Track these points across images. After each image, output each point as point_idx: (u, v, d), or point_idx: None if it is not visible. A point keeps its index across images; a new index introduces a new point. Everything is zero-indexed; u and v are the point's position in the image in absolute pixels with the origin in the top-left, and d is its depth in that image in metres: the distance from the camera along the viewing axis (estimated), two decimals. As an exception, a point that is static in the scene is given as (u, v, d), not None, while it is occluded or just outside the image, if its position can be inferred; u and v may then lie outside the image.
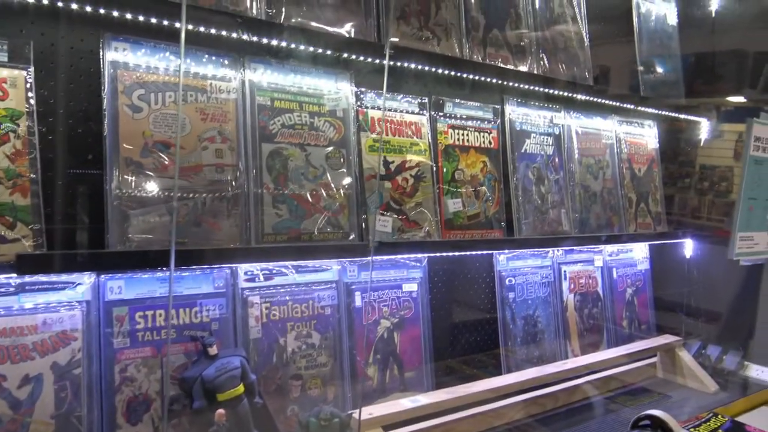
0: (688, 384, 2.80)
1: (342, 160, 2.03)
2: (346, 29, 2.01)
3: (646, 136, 3.24)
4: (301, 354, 1.98)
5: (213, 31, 1.72)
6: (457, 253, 2.44)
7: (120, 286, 1.69)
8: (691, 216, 3.46)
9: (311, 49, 1.93)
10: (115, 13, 1.56)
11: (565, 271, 2.80)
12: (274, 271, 1.96)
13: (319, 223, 1.95)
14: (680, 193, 3.50)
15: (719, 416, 2.27)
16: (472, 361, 2.60)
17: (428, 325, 2.30)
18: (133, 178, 1.64)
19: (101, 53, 1.64)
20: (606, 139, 3.00)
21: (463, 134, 2.41)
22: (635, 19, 3.12)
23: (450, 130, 2.38)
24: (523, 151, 2.61)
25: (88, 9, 1.54)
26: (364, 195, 2.07)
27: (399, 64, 2.14)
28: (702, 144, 3.48)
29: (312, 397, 1.97)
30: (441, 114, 2.36)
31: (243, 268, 1.89)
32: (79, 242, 1.66)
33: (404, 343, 2.23)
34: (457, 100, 2.42)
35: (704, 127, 3.45)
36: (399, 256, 2.23)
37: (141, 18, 1.60)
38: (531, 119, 2.67)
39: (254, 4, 1.83)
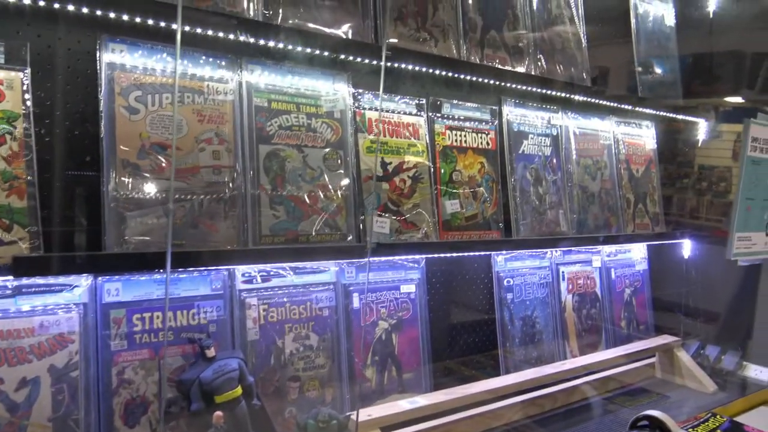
0: (686, 384, 2.80)
1: (339, 161, 2.03)
2: (344, 30, 2.01)
3: (644, 136, 3.24)
4: (299, 356, 1.97)
5: (210, 32, 1.72)
6: (454, 254, 2.44)
7: (117, 289, 1.69)
8: (690, 216, 3.46)
9: (308, 50, 1.93)
10: (112, 15, 1.56)
11: (563, 272, 2.80)
12: (272, 273, 1.96)
13: (317, 225, 1.95)
14: (679, 194, 3.51)
15: (718, 416, 2.27)
16: (470, 362, 2.59)
17: (426, 326, 2.30)
18: (130, 180, 1.64)
19: (98, 55, 1.64)
20: (604, 140, 3.00)
21: (460, 135, 2.41)
22: (633, 20, 3.12)
23: (448, 131, 2.37)
24: (520, 151, 2.61)
25: (85, 10, 1.53)
26: (361, 196, 2.07)
27: (396, 65, 2.14)
28: (700, 144, 3.48)
29: (310, 399, 1.97)
30: (438, 115, 2.36)
31: (240, 269, 1.89)
32: (76, 244, 1.66)
33: (402, 344, 2.23)
34: (455, 101, 2.42)
35: (702, 128, 3.45)
36: (397, 258, 2.23)
37: (138, 19, 1.59)
38: (529, 120, 2.67)
39: (251, 5, 1.83)
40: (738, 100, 3.48)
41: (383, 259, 2.19)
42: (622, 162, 3.07)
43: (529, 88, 2.61)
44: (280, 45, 1.87)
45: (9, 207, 1.48)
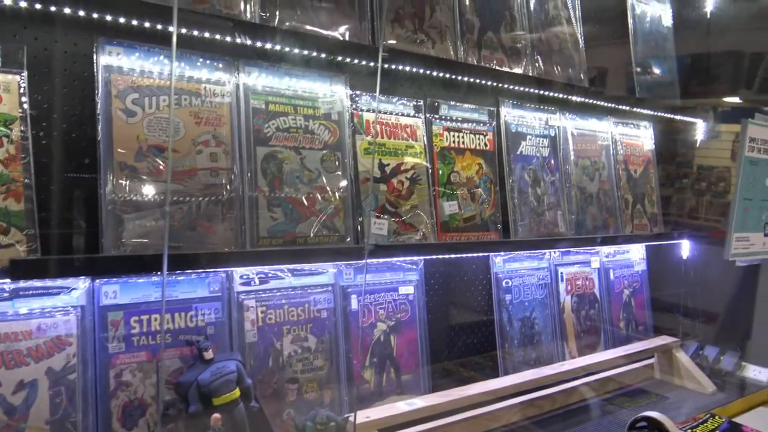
0: (685, 385, 2.80)
1: (337, 163, 2.03)
2: (341, 32, 2.01)
3: (642, 137, 3.24)
4: (298, 357, 1.97)
5: (207, 35, 1.72)
6: (453, 256, 2.44)
7: (115, 291, 1.69)
8: (689, 216, 3.46)
9: (305, 52, 1.93)
10: (109, 18, 1.56)
11: (561, 273, 2.80)
12: (270, 275, 1.96)
13: (315, 227, 1.95)
14: (678, 194, 3.51)
15: (716, 417, 2.27)
16: (469, 363, 2.59)
17: (425, 327, 2.30)
18: (128, 183, 1.64)
19: (95, 57, 1.64)
20: (602, 141, 3.00)
21: (458, 136, 2.41)
22: (630, 21, 3.12)
23: (445, 133, 2.38)
24: (518, 152, 2.61)
25: (82, 13, 1.54)
26: (359, 198, 2.07)
27: (394, 66, 2.14)
28: (699, 145, 3.49)
29: (308, 401, 1.97)
30: (436, 116, 2.36)
31: (238, 271, 1.89)
32: (74, 247, 1.66)
33: (401, 346, 2.22)
34: (453, 103, 2.42)
35: (701, 128, 3.46)
36: (395, 259, 2.23)
37: (134, 22, 1.60)
38: (526, 121, 2.67)
39: (248, 7, 1.83)
40: (736, 100, 3.48)
41: (381, 260, 2.19)
42: (620, 163, 3.07)
43: (527, 89, 2.61)
44: (277, 47, 1.87)
45: (6, 210, 1.48)
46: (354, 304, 2.12)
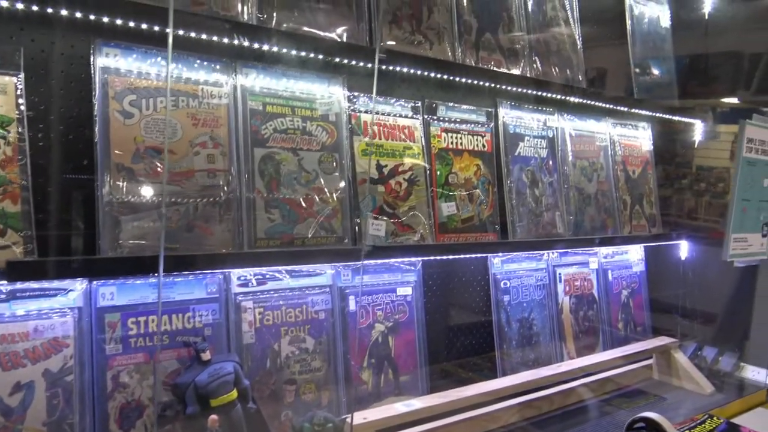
0: (683, 386, 2.80)
1: (335, 164, 2.03)
2: (338, 33, 2.01)
3: (641, 138, 3.25)
4: (295, 359, 1.97)
5: (204, 36, 1.72)
6: (451, 257, 2.44)
7: (112, 293, 1.69)
8: (688, 217, 3.46)
9: (303, 53, 1.93)
10: (106, 19, 1.56)
11: (560, 274, 2.81)
12: (268, 276, 1.96)
13: (312, 228, 1.95)
14: (677, 195, 3.51)
15: (714, 418, 2.27)
16: (467, 364, 2.59)
17: (423, 328, 2.30)
18: (125, 184, 1.64)
19: (92, 59, 1.64)
20: (600, 142, 3.00)
21: (456, 138, 2.41)
22: (628, 22, 3.12)
23: (443, 134, 2.38)
24: (516, 153, 2.61)
25: (78, 15, 1.53)
26: (357, 199, 2.07)
27: (391, 68, 2.14)
28: (697, 145, 3.49)
29: (306, 402, 1.97)
30: (434, 117, 2.36)
31: (236, 273, 1.89)
32: (71, 248, 1.65)
33: (399, 347, 2.22)
34: (451, 104, 2.42)
35: (700, 129, 3.46)
36: (393, 260, 2.23)
37: (131, 24, 1.60)
38: (524, 122, 2.67)
39: (245, 9, 1.83)
40: (734, 101, 3.49)
41: (379, 261, 2.18)
42: (619, 163, 3.07)
43: (525, 90, 2.61)
44: (275, 49, 1.87)
45: (3, 211, 1.48)
46: (352, 305, 2.12)
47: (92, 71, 1.63)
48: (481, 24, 2.46)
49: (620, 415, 2.42)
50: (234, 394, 1.68)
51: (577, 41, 2.85)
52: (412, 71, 2.22)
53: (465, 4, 2.41)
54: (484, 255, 2.53)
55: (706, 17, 3.47)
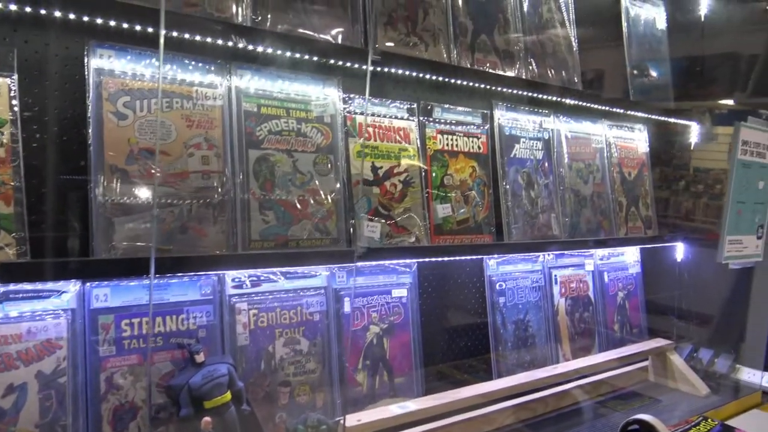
0: (679, 387, 2.80)
1: (329, 165, 2.03)
2: (333, 35, 2.01)
3: (637, 140, 3.25)
4: (290, 361, 1.97)
5: (198, 38, 1.72)
6: (446, 259, 2.44)
7: (106, 294, 1.68)
8: (685, 219, 3.46)
9: (297, 55, 1.93)
10: (99, 21, 1.56)
11: (555, 276, 2.81)
12: (262, 278, 1.96)
13: (307, 229, 1.95)
14: (674, 196, 3.51)
15: (709, 420, 2.27)
16: (462, 366, 2.59)
17: (418, 330, 2.30)
18: (119, 186, 1.64)
19: (86, 60, 1.64)
20: (596, 144, 3.00)
21: (451, 139, 2.41)
22: (624, 24, 3.13)
23: (439, 136, 2.38)
24: (512, 155, 2.61)
25: (72, 16, 1.53)
26: (352, 201, 2.07)
27: (386, 69, 2.14)
28: (693, 147, 3.49)
29: (300, 404, 1.97)
30: (430, 119, 2.36)
31: (230, 274, 1.89)
32: (64, 250, 1.65)
33: (394, 348, 2.22)
34: (446, 106, 2.42)
35: (697, 131, 3.46)
36: (388, 262, 2.23)
37: (125, 25, 1.59)
38: (520, 124, 2.67)
39: (240, 10, 1.83)
40: (730, 103, 3.49)
41: (374, 263, 2.18)
42: (615, 165, 3.08)
43: (521, 92, 2.61)
44: (269, 50, 1.87)
45: (-5, 213, 1.48)
46: (347, 307, 2.12)
47: (86, 72, 1.63)
48: (477, 26, 2.46)
49: (615, 417, 2.42)
50: (228, 396, 1.68)
51: (572, 43, 2.85)
52: (407, 73, 2.22)
53: (460, 6, 2.41)
54: (479, 257, 2.53)
55: (702, 19, 3.48)
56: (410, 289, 2.29)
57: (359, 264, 2.10)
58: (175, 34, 1.68)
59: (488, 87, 2.50)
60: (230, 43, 1.77)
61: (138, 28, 1.62)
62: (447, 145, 2.39)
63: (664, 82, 3.34)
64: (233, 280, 1.90)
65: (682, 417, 2.38)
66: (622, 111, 3.10)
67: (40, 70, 1.66)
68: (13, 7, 1.47)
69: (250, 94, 1.91)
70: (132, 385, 1.69)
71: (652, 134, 3.33)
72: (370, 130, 2.19)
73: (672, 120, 3.38)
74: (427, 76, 2.30)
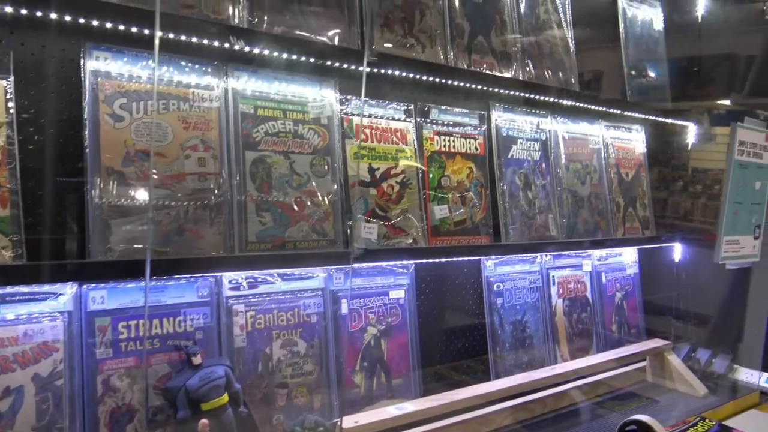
0: (677, 388, 2.81)
1: (326, 167, 2.03)
2: (330, 37, 2.01)
3: (634, 140, 3.25)
4: (287, 362, 1.97)
5: (194, 39, 1.72)
6: (443, 260, 2.44)
7: (102, 296, 1.68)
8: (684, 219, 3.47)
9: (294, 56, 1.93)
10: (95, 23, 1.56)
11: (553, 276, 2.81)
12: (259, 279, 1.96)
13: (304, 231, 1.95)
14: (673, 197, 3.51)
15: (707, 420, 2.27)
16: (460, 367, 2.59)
17: (416, 331, 2.30)
18: (115, 188, 1.64)
19: (82, 62, 1.63)
20: (593, 144, 3.01)
21: (449, 140, 2.41)
22: (621, 25, 3.13)
23: (436, 137, 2.38)
24: (509, 156, 2.61)
25: (68, 18, 1.53)
26: (349, 202, 2.07)
27: (383, 71, 2.14)
28: (695, 147, 3.49)
29: (298, 406, 1.96)
30: (427, 120, 2.36)
31: (227, 276, 1.89)
32: (61, 252, 1.65)
33: (391, 350, 2.22)
34: (443, 107, 2.42)
35: (696, 131, 3.46)
36: (385, 263, 2.23)
37: (121, 27, 1.59)
38: (517, 125, 2.67)
39: (236, 12, 1.83)
40: (726, 103, 3.50)
41: (371, 264, 2.18)
42: (612, 166, 3.08)
43: (517, 93, 2.61)
44: (266, 52, 1.87)
45: (-8, 215, 1.48)
46: (344, 309, 2.12)
47: (82, 74, 1.63)
48: (474, 27, 2.46)
49: (612, 417, 2.42)
50: (225, 398, 1.68)
51: (569, 44, 2.85)
52: (404, 74, 2.22)
53: (457, 8, 2.41)
54: (477, 258, 2.53)
55: (699, 20, 3.48)
56: (408, 291, 2.29)
57: (356, 265, 2.10)
58: (171, 35, 1.68)
59: (485, 88, 2.50)
60: (227, 45, 1.77)
61: (134, 30, 1.62)
62: (444, 146, 2.40)
63: (661, 83, 3.34)
64: (230, 281, 1.90)
65: (680, 417, 2.38)
66: (619, 112, 3.10)
67: (37, 72, 1.65)
68: (8, 9, 1.46)
69: (246, 96, 1.91)
70: (129, 388, 1.69)
71: (650, 135, 3.34)
72: (367, 131, 2.20)
73: (669, 120, 3.38)
74: (424, 78, 2.30)
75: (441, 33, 2.33)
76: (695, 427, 2.20)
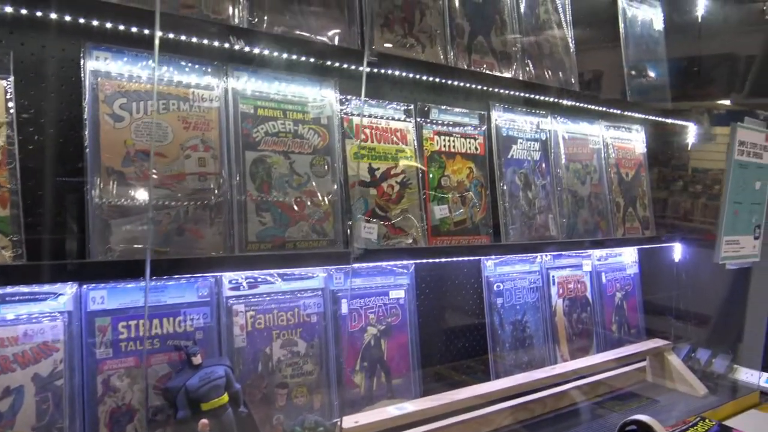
0: (677, 388, 2.81)
1: (326, 167, 2.03)
2: (330, 37, 2.01)
3: (634, 140, 3.25)
4: (287, 362, 1.97)
5: (194, 39, 1.72)
6: (443, 260, 2.44)
7: (102, 296, 1.68)
8: (684, 219, 3.47)
9: (294, 56, 1.93)
10: (95, 23, 1.56)
11: (553, 276, 2.81)
12: (260, 279, 1.96)
13: (304, 231, 1.95)
14: (673, 197, 3.51)
15: (707, 420, 2.27)
16: (460, 367, 2.59)
17: (416, 331, 2.30)
18: (115, 188, 1.64)
19: (82, 62, 1.63)
20: (593, 144, 3.01)
21: (449, 140, 2.41)
22: (621, 25, 3.13)
23: (436, 137, 2.38)
24: (509, 156, 2.61)
25: (68, 18, 1.53)
26: (349, 202, 2.07)
27: (383, 71, 2.14)
28: (695, 147, 3.49)
29: (298, 406, 1.96)
30: (427, 120, 2.36)
31: (227, 276, 1.89)
32: (61, 252, 1.65)
33: (391, 350, 2.22)
34: (443, 107, 2.42)
35: (696, 131, 3.46)
36: (385, 263, 2.23)
37: (121, 27, 1.59)
38: (517, 125, 2.67)
39: (236, 12, 1.83)
40: (727, 103, 3.50)
41: (371, 264, 2.18)
42: (612, 166, 3.08)
43: (518, 93, 2.61)
44: (266, 52, 1.87)
45: (-8, 215, 1.48)
46: (344, 309, 2.12)
47: (82, 74, 1.63)
48: (474, 27, 2.46)
49: (612, 417, 2.42)
50: (225, 398, 1.68)
51: (569, 44, 2.85)
52: (404, 74, 2.22)
53: (457, 8, 2.41)
54: (477, 258, 2.53)
55: (699, 20, 3.48)
56: (408, 291, 2.30)
57: (356, 265, 2.10)
58: (171, 35, 1.67)
59: (485, 88, 2.50)
60: (227, 45, 1.77)
61: (134, 30, 1.62)
62: (444, 146, 2.40)
63: (661, 83, 3.34)
64: (230, 281, 1.90)
65: (680, 417, 2.38)
66: (619, 112, 3.10)
67: (37, 72, 1.65)
68: (8, 9, 1.46)
69: (246, 96, 1.91)
70: (129, 388, 1.69)
71: (650, 135, 3.34)
72: (367, 131, 2.20)
73: (669, 120, 3.38)
74: (424, 78, 2.30)
75: (441, 33, 2.33)
76: (695, 427, 2.20)
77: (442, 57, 2.32)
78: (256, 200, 1.87)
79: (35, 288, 1.58)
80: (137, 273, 1.60)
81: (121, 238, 1.63)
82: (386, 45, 2.17)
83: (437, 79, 2.34)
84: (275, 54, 1.89)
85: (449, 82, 2.37)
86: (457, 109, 2.46)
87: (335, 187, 2.04)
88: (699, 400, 2.69)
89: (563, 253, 2.84)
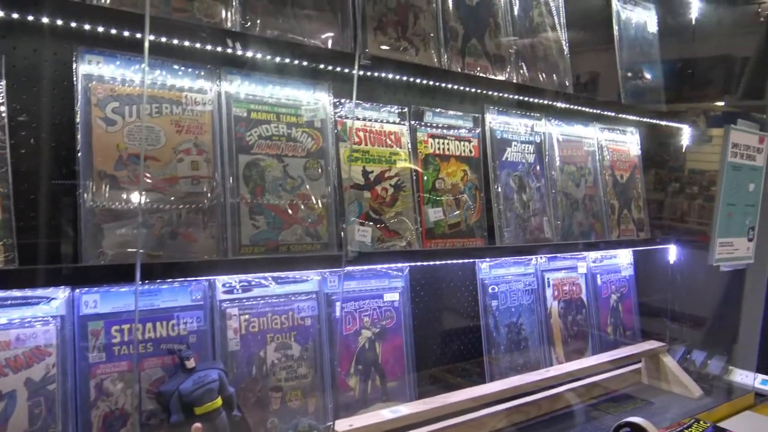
0: (672, 390, 2.81)
1: (320, 170, 2.03)
2: (323, 40, 2.01)
3: (629, 142, 3.26)
4: (281, 366, 1.97)
5: (187, 43, 1.72)
6: (438, 262, 2.44)
7: (95, 300, 1.68)
8: (680, 220, 3.47)
9: (287, 60, 1.93)
10: (87, 26, 1.56)
11: (548, 279, 2.81)
12: (253, 283, 1.95)
13: (298, 234, 1.95)
14: (669, 198, 3.52)
15: (701, 422, 2.27)
16: (455, 369, 2.59)
17: (410, 334, 2.29)
18: (108, 192, 1.64)
19: (74, 66, 1.63)
20: (588, 147, 3.01)
21: (443, 143, 2.41)
22: (615, 27, 3.14)
23: (430, 140, 2.38)
24: (504, 159, 2.62)
25: (60, 23, 1.53)
26: (343, 205, 2.07)
27: (377, 74, 2.15)
28: (691, 149, 3.50)
29: (292, 409, 1.96)
30: (421, 123, 2.36)
31: (221, 280, 1.88)
32: (53, 256, 1.64)
33: (386, 353, 2.22)
34: (437, 110, 2.42)
35: (691, 133, 3.47)
36: (380, 266, 2.23)
37: (113, 31, 1.59)
38: (512, 127, 2.68)
39: (229, 15, 1.83)
40: (721, 104, 3.51)
41: (366, 267, 2.18)
42: (607, 168, 3.08)
43: (512, 96, 2.62)
44: (259, 55, 1.87)
45: (-17, 220, 1.48)
46: (338, 312, 2.12)
47: (75, 78, 1.63)
48: (468, 30, 2.47)
49: (607, 419, 2.42)
50: (219, 401, 1.68)
51: (563, 47, 2.86)
52: (398, 77, 2.22)
53: (451, 11, 2.42)
54: (471, 260, 2.53)
55: (693, 22, 3.49)
56: (402, 293, 2.29)
57: (351, 268, 2.10)
58: (163, 39, 1.67)
59: (479, 91, 2.51)
60: (219, 49, 1.77)
61: (126, 33, 1.62)
62: (438, 148, 2.40)
63: (655, 85, 3.35)
64: (224, 285, 1.89)
65: (675, 419, 2.39)
66: (613, 114, 3.11)
67: (29, 76, 1.65)
68: (0, 14, 1.46)
69: (239, 99, 1.91)
70: (122, 392, 1.68)
71: (645, 137, 3.35)
72: (361, 134, 2.20)
73: (664, 123, 3.39)
74: (418, 81, 2.31)
75: (435, 36, 2.33)
76: (690, 429, 2.20)
77: (435, 60, 2.32)
78: (250, 203, 1.87)
79: (28, 292, 1.57)
80: (130, 277, 1.59)
81: (114, 242, 1.63)
82: (381, 48, 2.17)
83: (431, 82, 2.35)
84: (268, 57, 1.89)
85: (443, 84, 2.37)
86: (451, 112, 2.47)
87: (329, 190, 2.04)
88: (694, 401, 2.69)
89: (558, 255, 2.84)
